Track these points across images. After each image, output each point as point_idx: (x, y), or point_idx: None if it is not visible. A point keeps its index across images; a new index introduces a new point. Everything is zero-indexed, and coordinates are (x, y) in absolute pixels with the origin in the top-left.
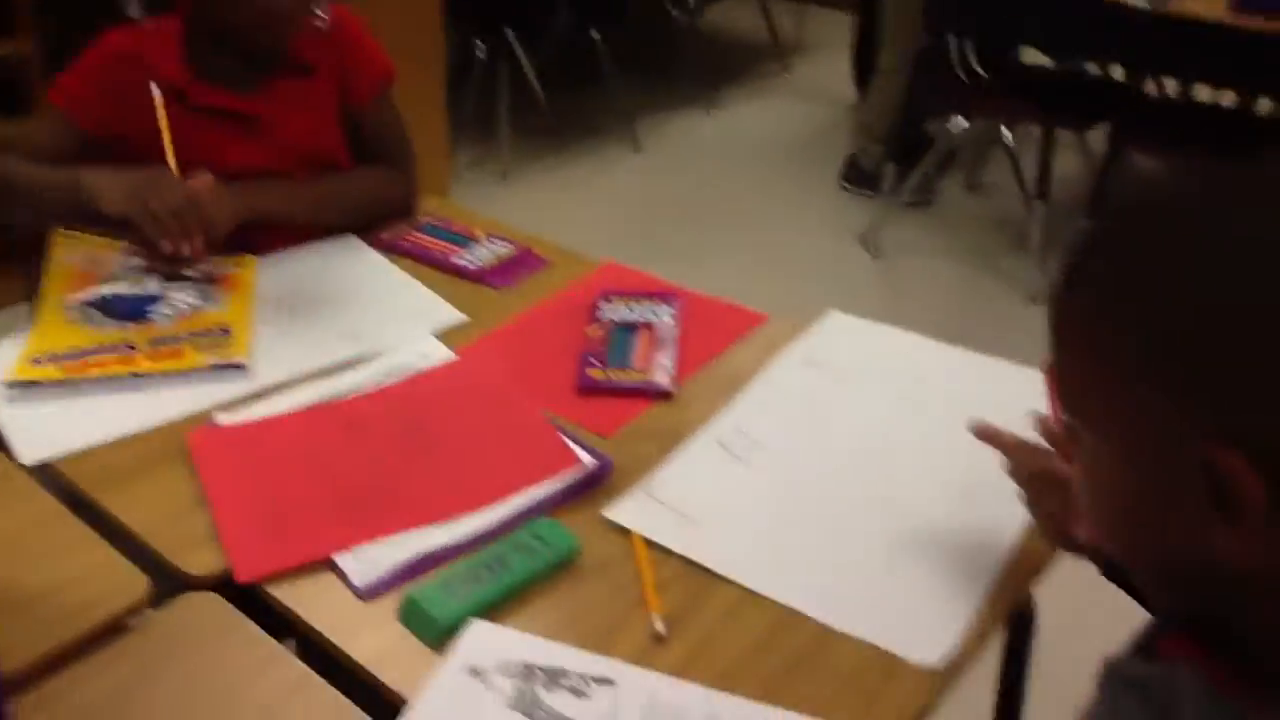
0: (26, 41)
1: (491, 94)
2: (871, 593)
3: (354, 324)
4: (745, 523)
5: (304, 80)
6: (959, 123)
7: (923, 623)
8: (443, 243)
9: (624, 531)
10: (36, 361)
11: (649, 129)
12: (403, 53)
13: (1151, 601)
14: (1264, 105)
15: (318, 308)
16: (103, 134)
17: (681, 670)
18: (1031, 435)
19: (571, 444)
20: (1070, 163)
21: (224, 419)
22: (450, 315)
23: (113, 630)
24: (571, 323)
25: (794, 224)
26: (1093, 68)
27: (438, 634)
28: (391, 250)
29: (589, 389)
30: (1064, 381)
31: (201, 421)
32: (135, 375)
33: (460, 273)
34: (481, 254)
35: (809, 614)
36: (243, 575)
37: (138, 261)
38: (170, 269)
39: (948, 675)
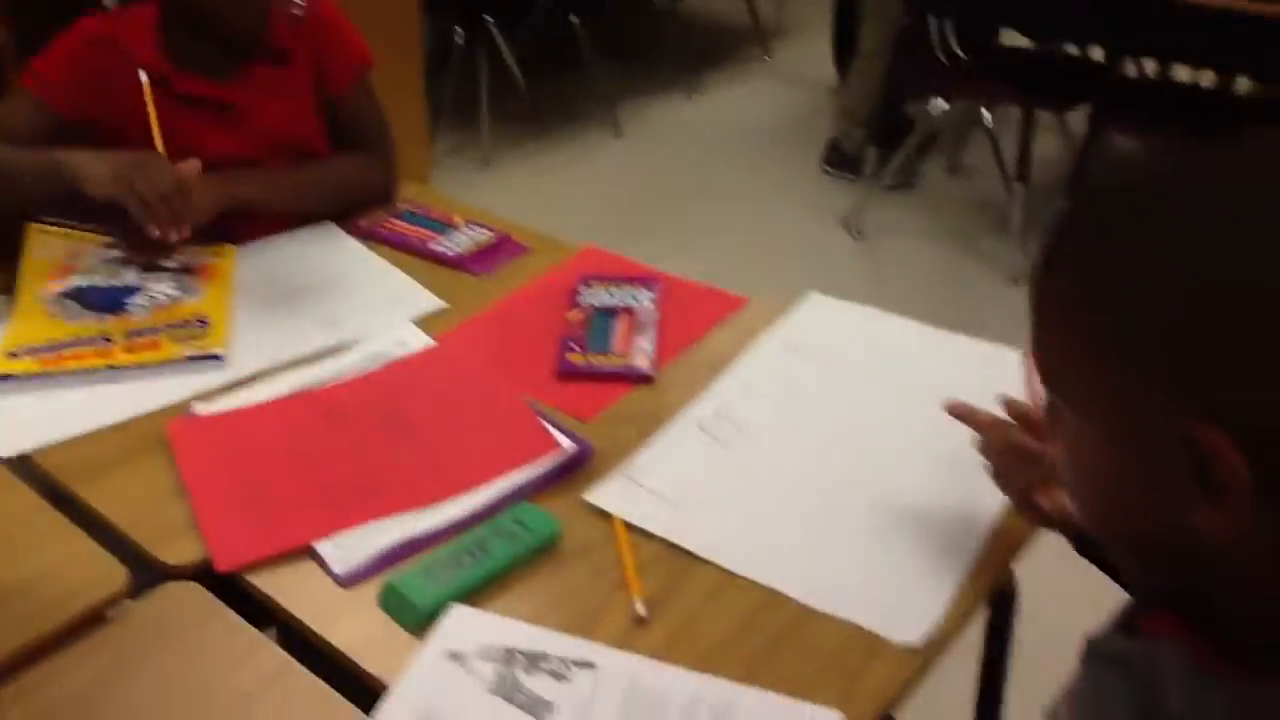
0: (0, 28)
1: (471, 81)
2: (852, 573)
3: (333, 312)
4: (726, 505)
5: (281, 68)
6: (939, 105)
7: (904, 602)
8: (421, 229)
9: (605, 515)
10: (13, 355)
11: (630, 114)
12: (380, 39)
13: (1132, 577)
14: (1242, 84)
15: (296, 296)
16: (78, 118)
17: (663, 652)
18: (1004, 413)
19: (551, 429)
20: (1050, 144)
21: (202, 409)
22: (429, 302)
23: (92, 621)
24: (551, 308)
25: (776, 208)
26: (1072, 49)
27: (418, 620)
28: (370, 237)
29: (569, 374)
30: (1045, 360)
31: (180, 412)
32: (112, 368)
33: (439, 259)
34: (460, 240)
35: (790, 595)
36: (222, 564)
37: (115, 254)
38: (148, 259)
39: (929, 654)
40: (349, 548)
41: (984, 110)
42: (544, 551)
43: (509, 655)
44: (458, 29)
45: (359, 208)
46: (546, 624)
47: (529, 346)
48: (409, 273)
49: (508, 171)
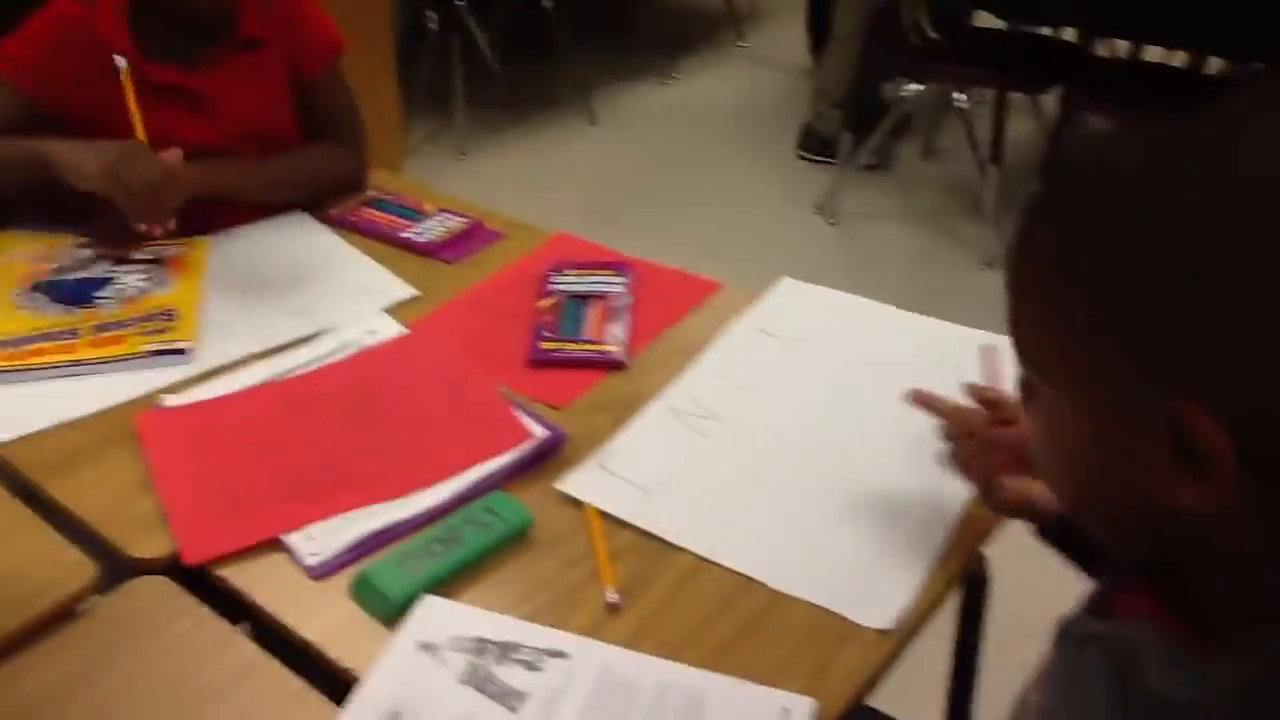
0: None
1: (445, 67)
2: (824, 558)
3: (304, 301)
4: (698, 491)
5: (252, 55)
6: (913, 87)
7: (875, 586)
8: (392, 217)
9: (577, 503)
10: None
11: (605, 100)
12: (352, 25)
13: (1112, 553)
14: (1213, 65)
15: (267, 286)
16: (50, 102)
17: (635, 640)
18: (968, 399)
19: (524, 416)
20: (1023, 126)
21: (172, 401)
22: (401, 290)
23: (61, 617)
24: (523, 295)
25: (752, 193)
26: (1045, 30)
27: (390, 610)
28: (341, 225)
29: (541, 361)
30: (1022, 338)
31: (148, 405)
32: (76, 364)
33: (410, 247)
34: (431, 228)
35: (762, 580)
36: (191, 557)
37: (87, 253)
38: (121, 253)
39: (900, 638)
40: (320, 539)
41: (957, 92)
42: (516, 540)
43: (481, 645)
44: (430, 14)
45: (331, 196)
46: (519, 613)
47: (501, 334)
48: (380, 261)
49: (484, 159)
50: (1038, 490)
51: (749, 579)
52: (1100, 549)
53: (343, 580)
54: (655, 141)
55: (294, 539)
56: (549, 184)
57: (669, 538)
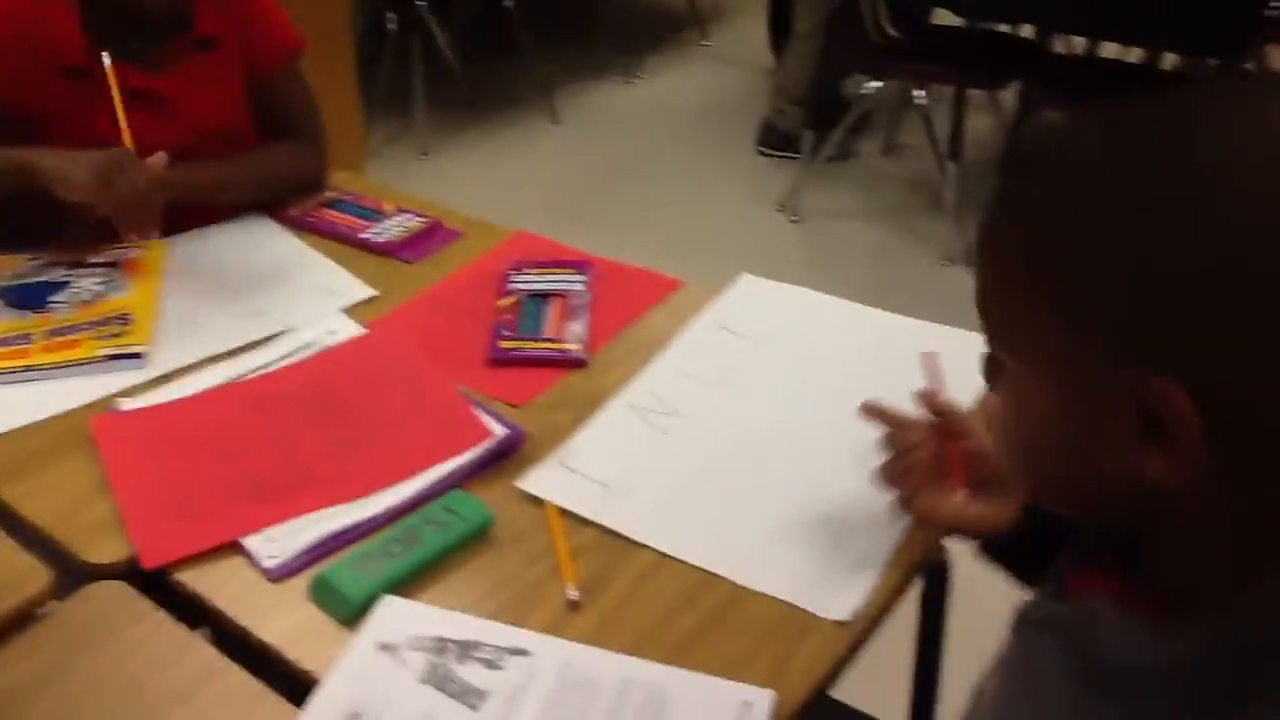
0: None
1: (406, 68)
2: (784, 552)
3: (263, 302)
4: (659, 488)
5: (209, 54)
6: (873, 84)
7: (834, 579)
8: (351, 217)
9: (538, 501)
10: None
11: (567, 99)
12: (311, 24)
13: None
14: (1168, 60)
15: (225, 288)
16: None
17: (597, 637)
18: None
19: (484, 415)
20: (982, 123)
21: (127, 404)
22: (360, 290)
23: (15, 625)
24: (483, 294)
25: (715, 191)
26: (1003, 27)
27: (350, 611)
28: (300, 226)
29: (501, 360)
30: (988, 314)
31: (104, 409)
32: (29, 369)
33: (368, 247)
34: (390, 227)
35: (723, 575)
36: (148, 561)
37: (42, 260)
38: (79, 258)
39: (861, 629)
40: (278, 541)
41: (916, 89)
42: (476, 539)
43: (441, 645)
44: (390, 14)
45: (292, 196)
46: (479, 612)
47: (460, 333)
48: (339, 261)
49: (446, 159)
50: (971, 511)
51: (710, 574)
52: (1041, 561)
53: (302, 582)
54: (618, 140)
55: (252, 541)
56: (512, 183)
57: (630, 534)
